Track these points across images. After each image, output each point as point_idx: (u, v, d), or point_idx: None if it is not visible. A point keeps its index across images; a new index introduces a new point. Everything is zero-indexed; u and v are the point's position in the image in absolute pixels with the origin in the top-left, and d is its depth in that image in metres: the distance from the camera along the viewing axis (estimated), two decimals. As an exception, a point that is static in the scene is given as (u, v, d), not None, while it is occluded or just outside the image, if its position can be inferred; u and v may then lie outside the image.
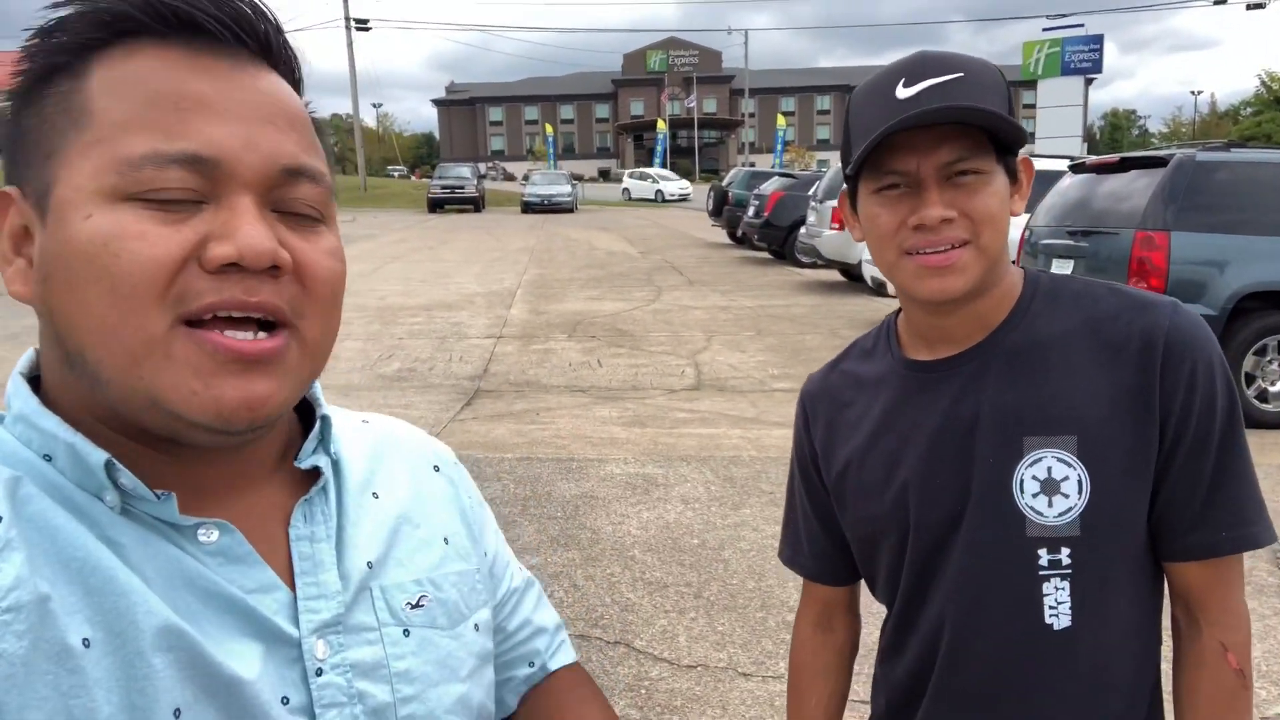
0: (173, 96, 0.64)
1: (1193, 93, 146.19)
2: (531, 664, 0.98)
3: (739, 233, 21.41)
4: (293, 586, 0.72)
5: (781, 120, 63.63)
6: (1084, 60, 29.30)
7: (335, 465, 0.81)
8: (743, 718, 3.20)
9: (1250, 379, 6.81)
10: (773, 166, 41.86)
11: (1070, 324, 1.15)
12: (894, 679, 1.29)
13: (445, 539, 0.87)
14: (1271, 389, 6.86)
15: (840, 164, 1.22)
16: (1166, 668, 1.19)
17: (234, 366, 0.64)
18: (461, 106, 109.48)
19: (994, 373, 1.15)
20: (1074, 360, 1.13)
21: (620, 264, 18.94)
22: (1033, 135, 27.56)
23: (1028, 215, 8.25)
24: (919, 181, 1.08)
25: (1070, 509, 1.10)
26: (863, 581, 1.37)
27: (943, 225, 1.08)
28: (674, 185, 53.50)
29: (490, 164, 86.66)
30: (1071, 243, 7.50)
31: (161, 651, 0.63)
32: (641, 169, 58.86)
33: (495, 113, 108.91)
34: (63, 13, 0.66)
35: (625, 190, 54.52)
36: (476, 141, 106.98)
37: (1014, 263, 1.22)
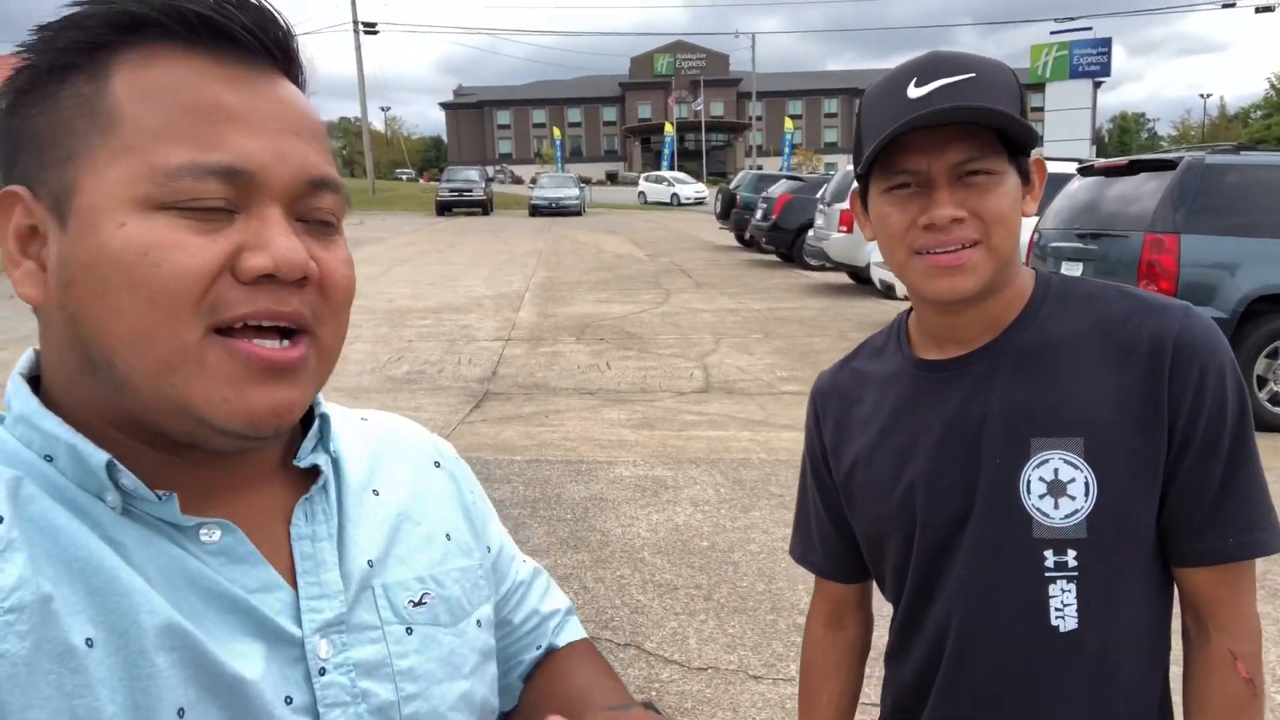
0: (206, 108, 0.65)
1: (1202, 96, 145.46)
2: (539, 647, 0.98)
3: (747, 235, 21.42)
4: (295, 586, 0.72)
5: (789, 123, 63.53)
6: (1092, 63, 29.28)
7: (335, 464, 0.81)
8: (751, 721, 3.19)
9: (1262, 382, 6.78)
10: (780, 169, 41.84)
11: (1081, 326, 1.14)
12: (901, 679, 1.28)
13: (447, 535, 0.87)
14: (1283, 392, 6.82)
15: (851, 163, 1.22)
16: (1176, 670, 1.18)
17: (263, 375, 0.66)
18: (469, 110, 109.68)
19: (1003, 373, 1.15)
20: (1083, 362, 1.12)
21: (628, 267, 18.96)
22: (1041, 138, 27.49)
23: (1036, 218, 8.23)
24: (930, 181, 1.08)
25: (1077, 511, 1.10)
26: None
27: (953, 225, 1.07)
28: (690, 189, 52.83)
29: (498, 167, 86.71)
30: (1080, 245, 7.48)
31: (164, 651, 0.63)
32: (657, 172, 58.18)
33: (503, 116, 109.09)
34: (75, 11, 0.66)
35: (641, 194, 54.05)
36: (484, 145, 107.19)
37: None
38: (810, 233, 16.11)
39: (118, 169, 0.63)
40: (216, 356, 0.64)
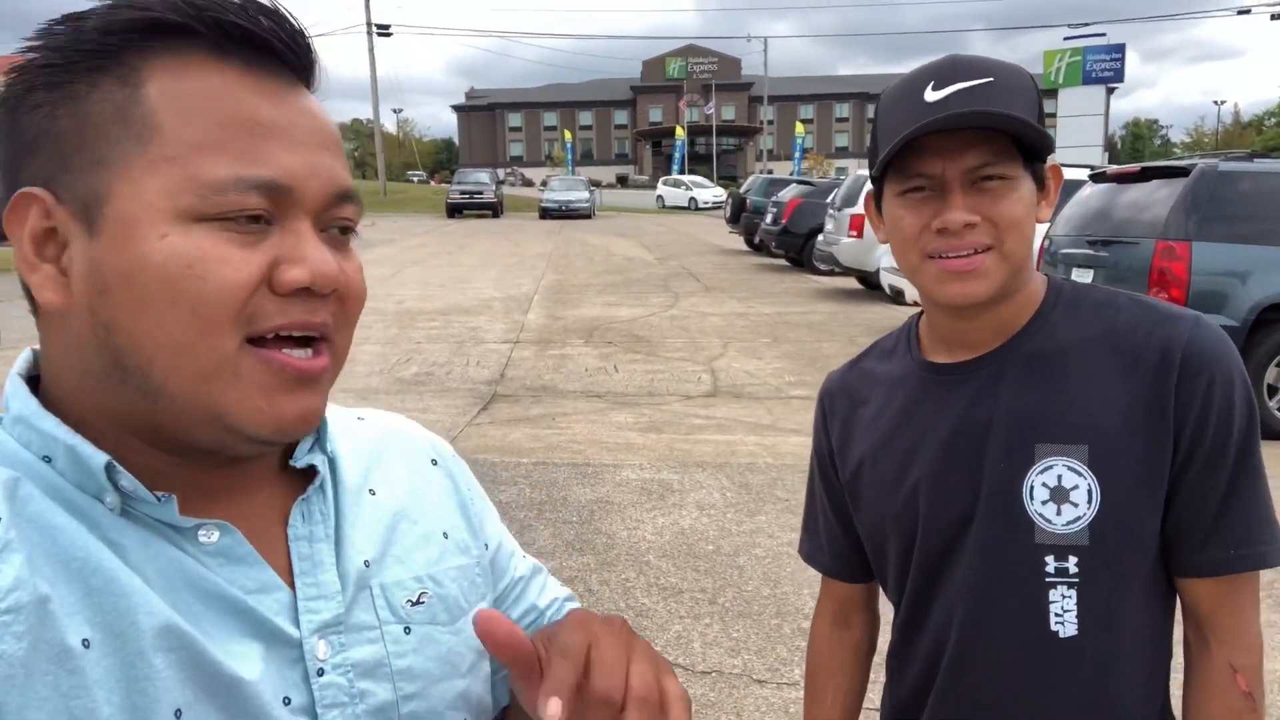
0: (246, 121, 0.65)
1: (1216, 103, 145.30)
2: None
3: (756, 240, 21.39)
4: (293, 586, 0.72)
5: (800, 127, 63.61)
6: (1105, 69, 29.20)
7: (332, 464, 0.80)
8: (755, 726, 3.18)
9: (1272, 390, 6.73)
10: (791, 174, 41.83)
11: (1090, 333, 1.14)
12: (902, 680, 1.28)
13: (444, 534, 0.86)
14: (1294, 401, 6.79)
15: (867, 165, 1.22)
16: (1178, 678, 1.17)
17: (293, 384, 0.67)
18: (481, 112, 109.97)
19: (1011, 378, 1.15)
20: (1091, 369, 1.12)
21: (637, 270, 18.96)
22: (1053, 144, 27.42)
23: (1047, 224, 8.21)
24: (944, 185, 1.08)
25: (1079, 518, 1.09)
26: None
27: (966, 230, 1.07)
28: (708, 193, 52.38)
29: (509, 169, 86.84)
30: (1092, 252, 7.45)
31: (162, 652, 0.62)
32: (675, 176, 57.85)
33: (515, 119, 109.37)
34: (103, 10, 0.65)
35: (659, 198, 53.78)
36: (496, 147, 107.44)
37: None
38: (820, 237, 16.11)
39: (157, 179, 0.63)
40: (250, 367, 0.65)
